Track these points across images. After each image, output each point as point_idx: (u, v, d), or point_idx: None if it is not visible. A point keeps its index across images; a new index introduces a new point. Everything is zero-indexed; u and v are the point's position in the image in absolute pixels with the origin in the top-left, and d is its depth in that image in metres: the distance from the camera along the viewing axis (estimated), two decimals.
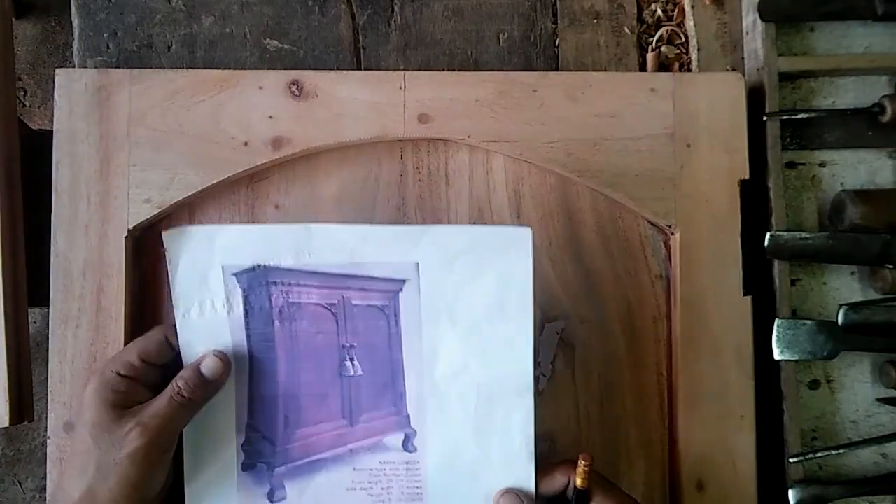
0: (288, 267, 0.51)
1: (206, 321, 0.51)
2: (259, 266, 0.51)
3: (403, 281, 0.51)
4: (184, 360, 0.50)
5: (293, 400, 0.51)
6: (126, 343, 0.54)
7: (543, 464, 0.50)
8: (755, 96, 0.59)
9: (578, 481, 0.47)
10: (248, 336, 0.51)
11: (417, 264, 0.50)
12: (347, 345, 0.52)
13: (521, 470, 0.50)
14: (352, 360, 0.52)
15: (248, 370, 0.51)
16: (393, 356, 0.52)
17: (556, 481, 0.49)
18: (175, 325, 0.50)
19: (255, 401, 0.51)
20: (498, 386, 0.50)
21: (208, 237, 0.50)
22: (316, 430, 0.52)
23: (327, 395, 0.52)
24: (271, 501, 0.51)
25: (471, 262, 0.50)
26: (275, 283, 0.51)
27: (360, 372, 0.52)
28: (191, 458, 0.51)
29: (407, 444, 0.52)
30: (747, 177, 0.56)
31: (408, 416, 0.52)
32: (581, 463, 0.46)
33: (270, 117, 0.56)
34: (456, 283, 0.50)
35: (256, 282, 0.51)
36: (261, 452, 0.51)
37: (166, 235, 0.50)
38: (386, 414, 0.52)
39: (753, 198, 0.57)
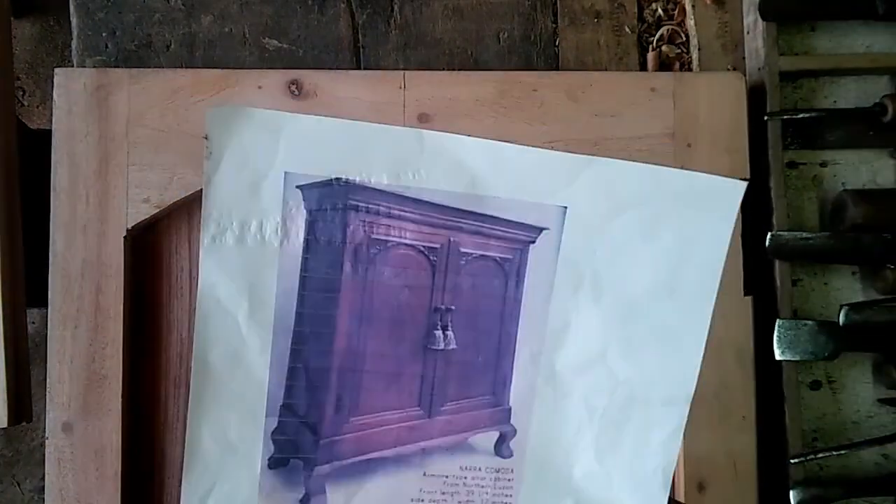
0: (380, 187, 0.37)
1: (244, 252, 0.37)
2: (338, 180, 0.37)
3: (540, 230, 0.38)
4: (198, 306, 0.37)
5: (353, 376, 0.38)
6: (124, 343, 0.53)
7: None
8: (756, 96, 0.59)
9: None
10: (303, 281, 0.38)
11: (565, 209, 0.38)
12: (443, 307, 0.38)
13: (650, 499, 0.37)
14: (445, 328, 0.39)
15: (295, 330, 0.38)
16: (504, 328, 0.38)
17: None
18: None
19: (298, 373, 0.38)
20: (644, 389, 0.38)
21: (271, 125, 0.37)
22: (379, 420, 0.38)
23: (402, 374, 0.38)
24: None
25: (644, 216, 0.36)
26: (356, 208, 0.37)
27: (453, 345, 0.39)
28: (197, 446, 0.39)
29: (501, 447, 0.39)
30: (748, 177, 0.56)
31: (508, 410, 0.39)
32: None
33: None
34: (615, 241, 0.37)
35: (330, 202, 0.37)
36: (297, 445, 0.39)
37: (211, 115, 0.36)
38: (479, 404, 0.39)
39: (754, 198, 0.57)
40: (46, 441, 0.54)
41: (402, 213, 0.37)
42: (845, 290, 0.59)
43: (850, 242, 0.56)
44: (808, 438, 0.58)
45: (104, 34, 0.63)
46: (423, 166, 0.36)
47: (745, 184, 0.36)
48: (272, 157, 0.37)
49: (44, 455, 0.54)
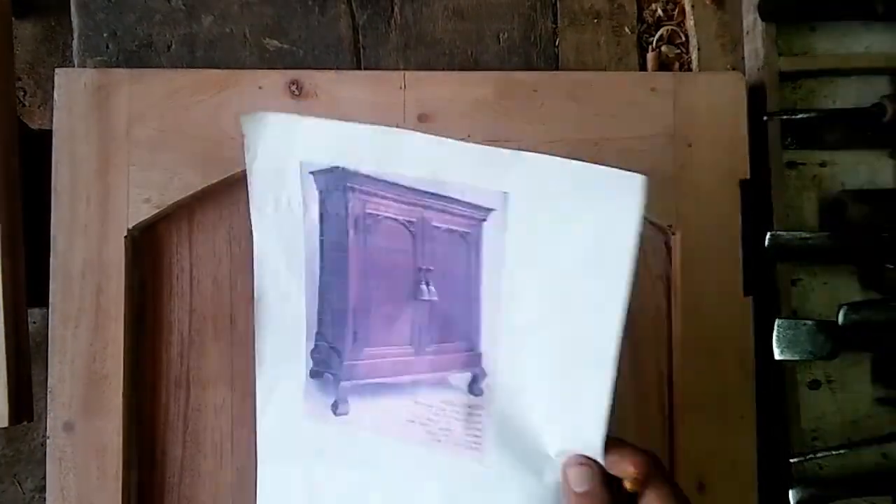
0: (367, 173, 0.46)
1: (280, 219, 0.48)
2: (338, 168, 0.46)
3: (489, 210, 0.44)
4: (256, 257, 0.49)
5: (363, 316, 0.48)
6: (125, 343, 0.54)
7: (612, 441, 0.43)
8: (755, 96, 0.59)
9: (628, 485, 0.41)
10: (322, 242, 0.48)
11: (506, 194, 0.44)
12: (423, 268, 0.47)
13: (589, 443, 0.42)
14: (427, 283, 0.47)
15: (320, 279, 0.48)
16: (471, 288, 0.46)
17: (618, 466, 0.42)
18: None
19: (326, 310, 0.48)
20: (576, 351, 0.42)
21: (289, 128, 0.47)
22: (381, 353, 0.48)
23: (397, 318, 0.47)
24: (335, 413, 0.49)
25: (569, 202, 0.42)
26: (352, 189, 0.46)
27: (434, 298, 0.47)
28: (264, 355, 0.50)
29: (474, 386, 0.46)
30: (748, 177, 0.56)
31: (480, 355, 0.46)
32: (631, 470, 0.41)
33: None
34: (548, 223, 0.43)
35: (334, 185, 0.47)
36: (328, 363, 0.48)
37: (244, 119, 0.47)
38: (456, 348, 0.47)
39: (754, 198, 0.57)
40: (48, 440, 0.54)
41: (384, 194, 0.46)
42: (844, 289, 0.59)
43: (849, 242, 0.56)
44: (808, 438, 0.58)
45: (105, 34, 0.63)
46: (402, 157, 0.45)
47: (643, 178, 0.41)
48: (291, 151, 0.47)
49: (45, 454, 0.54)
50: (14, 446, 0.64)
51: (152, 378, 0.56)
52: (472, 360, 0.46)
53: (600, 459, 0.42)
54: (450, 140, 0.44)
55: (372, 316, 0.48)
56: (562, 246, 0.43)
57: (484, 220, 0.45)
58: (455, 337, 0.46)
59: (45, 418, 0.54)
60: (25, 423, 0.56)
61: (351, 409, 0.48)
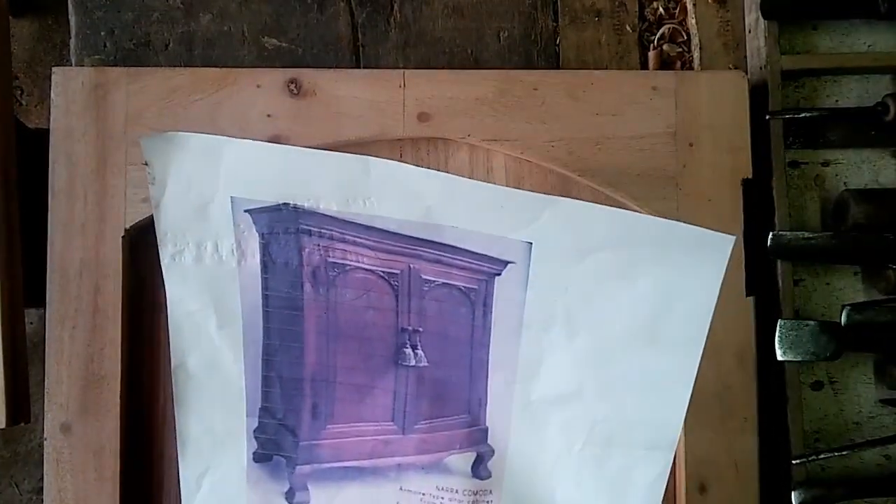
0: (330, 213, 0.38)
1: (204, 270, 0.39)
2: (286, 205, 0.38)
3: (505, 263, 0.38)
4: (170, 318, 0.38)
5: (326, 387, 0.40)
6: (123, 344, 0.53)
7: None
8: (758, 95, 0.58)
9: None
10: (266, 299, 0.40)
11: (531, 244, 0.37)
12: (410, 328, 0.39)
13: None
14: (414, 347, 0.40)
15: (264, 343, 0.40)
16: (475, 354, 0.39)
17: None
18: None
19: (273, 381, 0.40)
20: (624, 431, 0.37)
21: (209, 151, 0.38)
22: (355, 430, 0.40)
23: (375, 388, 0.40)
24: (289, 503, 0.41)
25: (617, 259, 0.36)
26: (308, 233, 0.39)
27: (424, 363, 0.39)
28: (186, 438, 0.41)
29: (479, 468, 0.39)
30: (750, 176, 0.56)
31: (485, 431, 0.39)
32: None
33: (269, 116, 0.55)
34: (587, 281, 0.37)
35: (282, 226, 0.39)
36: (278, 444, 0.41)
37: (147, 142, 0.38)
38: (455, 424, 0.39)
39: (756, 197, 0.57)
40: (45, 442, 0.53)
41: (356, 239, 0.37)
42: (847, 290, 0.59)
43: (851, 242, 0.56)
44: (810, 439, 0.57)
45: (103, 33, 0.63)
46: (373, 194, 0.37)
47: (733, 238, 0.36)
48: (215, 182, 0.38)
49: (42, 456, 0.54)
50: (11, 448, 0.63)
51: (150, 379, 0.56)
52: (476, 436, 0.39)
53: None
54: (449, 175, 0.37)
55: (339, 386, 0.40)
56: (613, 310, 0.36)
57: (498, 273, 0.38)
58: (452, 411, 0.39)
59: (42, 420, 0.54)
60: (23, 424, 0.55)
61: (313, 499, 0.40)
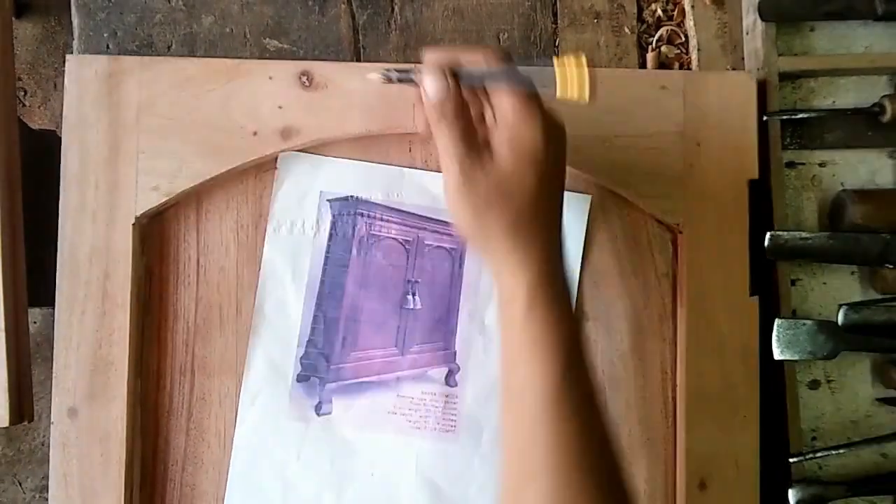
0: (377, 201, 0.56)
1: (293, 238, 0.56)
2: (352, 197, 0.56)
3: None
4: (262, 270, 0.56)
5: (353, 324, 0.56)
6: (131, 330, 0.54)
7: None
8: (756, 96, 0.59)
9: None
10: (326, 259, 0.56)
11: None
12: (413, 280, 0.56)
13: None
14: (414, 294, 0.56)
15: (319, 290, 0.56)
16: (451, 294, 0.56)
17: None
18: None
19: (320, 319, 0.56)
20: None
21: (315, 164, 0.56)
22: (368, 355, 0.56)
23: (385, 324, 0.56)
24: (317, 413, 0.55)
25: None
26: (361, 214, 0.56)
27: (419, 306, 0.56)
28: (252, 364, 0.55)
29: (449, 379, 0.56)
30: (756, 177, 0.56)
31: (454, 353, 0.56)
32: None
33: (280, 107, 0.56)
34: None
35: (346, 210, 0.56)
36: (316, 367, 0.55)
37: (281, 157, 0.56)
38: (434, 348, 0.56)
39: (756, 198, 0.57)
40: (52, 426, 0.54)
41: (389, 218, 0.57)
42: (844, 289, 0.59)
43: (848, 242, 0.56)
44: (807, 438, 0.58)
45: (105, 34, 0.63)
46: (403, 189, 0.56)
47: (589, 197, 0.54)
48: (313, 182, 0.56)
49: (45, 454, 0.54)
50: (14, 446, 0.64)
51: (157, 366, 0.56)
52: (449, 357, 0.57)
53: None
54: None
55: (362, 323, 0.56)
56: None
57: None
58: (434, 338, 0.56)
59: (45, 418, 0.54)
60: (26, 422, 0.56)
61: (334, 408, 0.55)
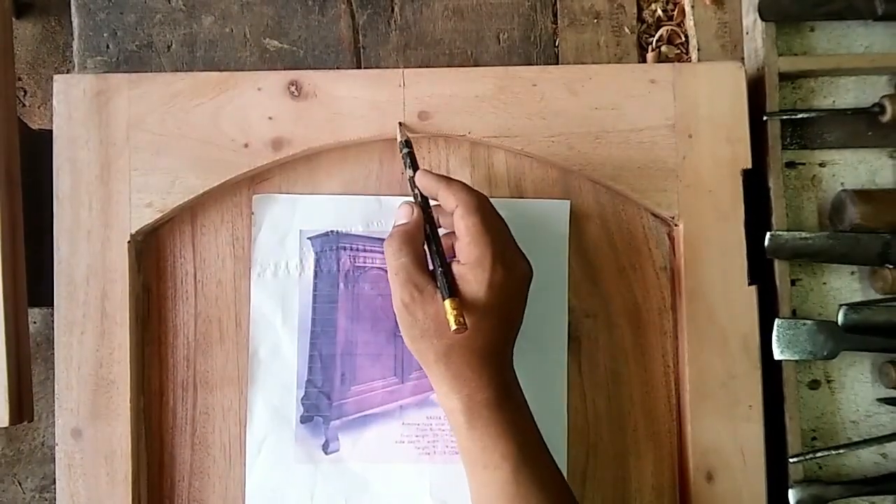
0: (358, 233, 0.56)
1: (278, 281, 0.55)
2: (332, 231, 0.56)
3: None
4: (252, 317, 0.55)
5: (350, 358, 0.55)
6: (131, 348, 0.54)
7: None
8: (755, 96, 0.59)
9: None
10: (315, 297, 0.56)
11: None
12: None
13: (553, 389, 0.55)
14: None
15: (311, 329, 0.55)
16: None
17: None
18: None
19: (316, 358, 0.55)
20: (536, 343, 0.54)
21: (291, 204, 0.56)
22: (369, 387, 0.56)
23: (382, 354, 0.56)
24: (325, 452, 0.55)
25: (515, 232, 0.51)
26: (344, 248, 0.56)
27: None
28: (254, 411, 0.55)
29: None
30: (749, 166, 0.56)
31: None
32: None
33: (270, 118, 0.56)
34: None
35: (328, 245, 0.56)
36: (318, 406, 0.55)
37: (255, 199, 0.56)
38: None
39: (756, 189, 0.57)
40: (56, 447, 0.54)
41: (372, 248, 0.56)
42: (844, 289, 0.59)
43: (848, 242, 0.56)
44: (807, 438, 0.58)
45: (105, 35, 0.63)
46: (382, 217, 0.56)
47: (567, 203, 0.55)
48: (291, 221, 0.56)
49: (45, 454, 0.54)
50: (14, 446, 0.64)
51: (159, 382, 0.56)
52: None
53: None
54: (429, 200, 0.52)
55: (359, 356, 0.56)
56: None
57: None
58: None
59: (45, 418, 0.54)
60: (26, 422, 0.56)
61: (342, 445, 0.55)
